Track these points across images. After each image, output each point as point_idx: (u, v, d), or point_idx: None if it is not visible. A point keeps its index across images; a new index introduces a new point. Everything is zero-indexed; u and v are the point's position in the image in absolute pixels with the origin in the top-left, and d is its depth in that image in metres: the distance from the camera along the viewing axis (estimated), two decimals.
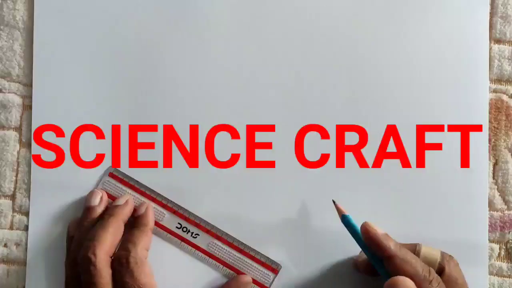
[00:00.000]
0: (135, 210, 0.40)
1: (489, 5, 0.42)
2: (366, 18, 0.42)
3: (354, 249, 0.39)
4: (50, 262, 0.40)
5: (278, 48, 0.42)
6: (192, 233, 0.40)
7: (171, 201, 0.40)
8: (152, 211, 0.40)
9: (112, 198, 0.40)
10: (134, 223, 0.39)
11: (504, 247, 0.41)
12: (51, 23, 0.41)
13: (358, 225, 0.37)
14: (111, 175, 0.41)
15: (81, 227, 0.38)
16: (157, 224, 0.40)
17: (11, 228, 0.41)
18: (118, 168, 0.41)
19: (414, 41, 0.42)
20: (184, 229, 0.40)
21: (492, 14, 0.42)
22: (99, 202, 0.39)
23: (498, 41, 0.42)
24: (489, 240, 0.41)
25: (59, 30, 0.41)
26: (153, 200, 0.40)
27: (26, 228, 0.41)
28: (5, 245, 0.41)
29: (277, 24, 0.42)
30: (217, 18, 0.42)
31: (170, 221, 0.40)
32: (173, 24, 0.42)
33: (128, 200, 0.39)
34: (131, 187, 0.40)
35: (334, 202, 0.38)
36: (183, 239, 0.40)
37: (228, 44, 0.42)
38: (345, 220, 0.37)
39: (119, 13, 0.41)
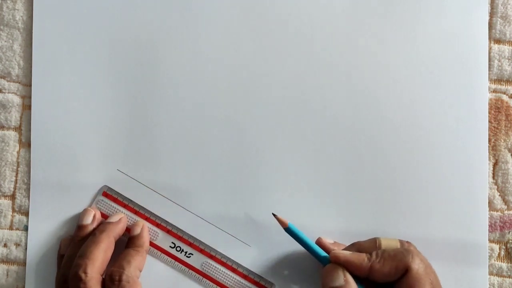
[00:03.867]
0: (129, 229, 0.39)
1: (489, 5, 0.42)
2: (366, 18, 0.42)
3: None
4: (50, 262, 0.40)
5: (277, 48, 0.42)
6: (186, 252, 0.40)
7: (165, 220, 0.40)
8: (147, 231, 0.39)
9: (105, 217, 0.40)
10: (129, 243, 0.39)
11: (504, 247, 0.41)
12: (51, 23, 0.41)
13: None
14: (105, 194, 0.40)
15: (73, 244, 0.38)
16: (150, 243, 0.40)
17: (11, 228, 0.41)
18: (112, 187, 0.40)
19: (414, 41, 0.42)
20: (178, 249, 0.40)
21: (492, 14, 0.42)
22: (91, 221, 0.39)
23: (498, 41, 0.42)
24: (489, 240, 0.41)
25: (59, 30, 0.41)
26: (147, 219, 0.40)
27: (26, 228, 0.41)
28: (5, 245, 0.41)
29: (276, 25, 0.42)
30: (217, 18, 0.42)
31: (163, 240, 0.40)
32: (172, 24, 0.42)
33: (122, 218, 0.39)
34: (125, 206, 0.40)
35: (274, 215, 0.38)
36: (176, 259, 0.40)
37: (228, 44, 0.42)
38: (289, 230, 0.38)
39: (118, 13, 0.41)
